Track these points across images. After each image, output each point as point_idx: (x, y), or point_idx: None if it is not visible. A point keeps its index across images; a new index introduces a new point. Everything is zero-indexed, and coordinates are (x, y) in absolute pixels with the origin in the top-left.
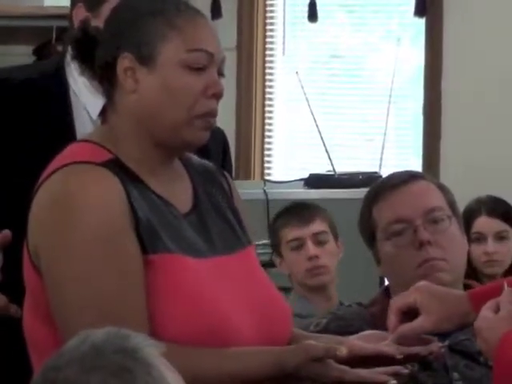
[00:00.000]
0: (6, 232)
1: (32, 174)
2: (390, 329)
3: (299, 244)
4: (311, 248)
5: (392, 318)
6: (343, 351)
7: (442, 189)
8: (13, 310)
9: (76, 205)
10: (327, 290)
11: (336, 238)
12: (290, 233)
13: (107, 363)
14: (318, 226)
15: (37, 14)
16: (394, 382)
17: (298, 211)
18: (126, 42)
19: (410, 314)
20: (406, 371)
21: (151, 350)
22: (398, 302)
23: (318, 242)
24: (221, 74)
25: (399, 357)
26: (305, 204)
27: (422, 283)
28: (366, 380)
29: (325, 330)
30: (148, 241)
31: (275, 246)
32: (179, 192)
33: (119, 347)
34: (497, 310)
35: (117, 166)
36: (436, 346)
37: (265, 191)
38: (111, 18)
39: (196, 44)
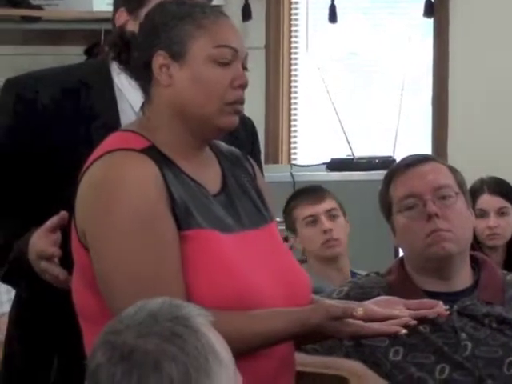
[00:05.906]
0: (64, 213)
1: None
2: None
3: (314, 220)
4: (325, 222)
5: None
6: (359, 312)
7: (452, 170)
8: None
9: (118, 187)
10: (339, 261)
11: (344, 215)
12: (306, 210)
13: (161, 329)
14: (329, 203)
15: (87, 18)
16: (405, 331)
17: (310, 192)
18: (159, 41)
19: None
20: (414, 322)
21: (200, 319)
22: None
23: (331, 216)
24: (244, 67)
25: (411, 322)
26: (314, 186)
27: None
28: (380, 332)
29: (346, 297)
30: (182, 218)
31: (291, 225)
32: (209, 175)
33: (172, 315)
34: None
35: (154, 153)
36: (441, 307)
37: (291, 174)
38: (145, 22)
39: (221, 41)
